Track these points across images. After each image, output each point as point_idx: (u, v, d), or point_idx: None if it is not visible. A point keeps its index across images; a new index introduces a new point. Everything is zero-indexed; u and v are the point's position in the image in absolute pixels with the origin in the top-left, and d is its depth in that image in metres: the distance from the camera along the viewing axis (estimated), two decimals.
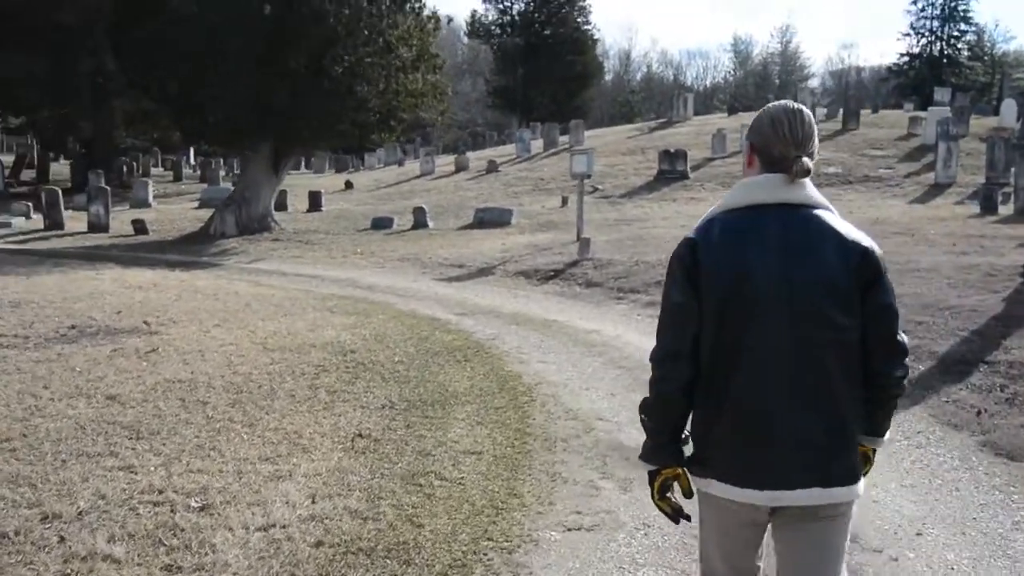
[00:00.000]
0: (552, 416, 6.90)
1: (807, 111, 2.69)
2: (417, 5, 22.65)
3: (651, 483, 2.73)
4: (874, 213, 18.64)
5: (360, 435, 6.17)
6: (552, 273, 15.08)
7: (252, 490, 5.05)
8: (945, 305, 9.69)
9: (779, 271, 2.55)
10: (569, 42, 68.61)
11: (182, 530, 4.50)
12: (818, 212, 2.62)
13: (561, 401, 7.37)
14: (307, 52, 20.47)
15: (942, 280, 10.83)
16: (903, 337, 2.64)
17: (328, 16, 20.36)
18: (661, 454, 2.70)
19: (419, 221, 22.83)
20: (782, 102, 2.75)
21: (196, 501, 4.87)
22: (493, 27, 71.83)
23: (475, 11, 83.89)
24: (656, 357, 2.68)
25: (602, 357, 9.16)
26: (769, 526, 2.71)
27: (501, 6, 71.32)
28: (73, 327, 9.78)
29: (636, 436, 6.42)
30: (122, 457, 5.55)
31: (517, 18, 70.78)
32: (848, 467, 2.58)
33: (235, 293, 12.87)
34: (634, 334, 10.43)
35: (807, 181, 2.64)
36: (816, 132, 2.69)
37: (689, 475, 2.68)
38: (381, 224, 23.25)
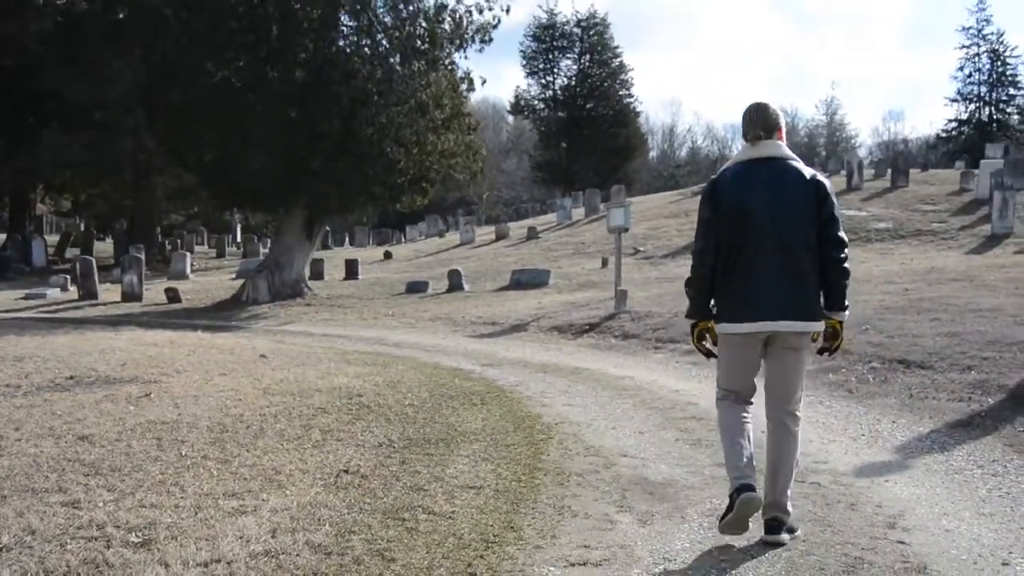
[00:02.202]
0: (569, 452, 6.11)
1: (764, 103, 4.37)
2: (449, 63, 22.30)
3: (692, 332, 4.45)
4: (928, 263, 17.67)
5: (346, 471, 5.41)
6: (587, 327, 14.30)
7: (206, 525, 4.32)
8: (1011, 340, 8.85)
9: (765, 199, 4.16)
10: (612, 115, 68.43)
11: (110, 567, 3.79)
12: (790, 162, 4.25)
13: (582, 439, 6.57)
14: (338, 115, 20.08)
15: (1007, 318, 9.95)
16: (843, 235, 4.19)
17: (358, 75, 20.05)
18: (698, 312, 4.38)
19: (454, 284, 22.23)
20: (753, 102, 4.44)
21: (137, 536, 4.16)
22: (536, 102, 71.93)
23: (518, 86, 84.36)
24: (695, 251, 4.36)
25: (633, 399, 8.35)
26: (763, 361, 4.34)
27: (543, 81, 71.57)
28: (71, 378, 9.19)
29: (664, 471, 5.62)
30: (70, 493, 4.86)
31: (560, 93, 70.84)
32: (806, 313, 4.17)
33: (251, 348, 12.25)
34: (671, 379, 9.62)
35: (782, 143, 4.30)
36: (771, 114, 4.32)
37: (714, 326, 4.32)
38: (416, 288, 22.69)
